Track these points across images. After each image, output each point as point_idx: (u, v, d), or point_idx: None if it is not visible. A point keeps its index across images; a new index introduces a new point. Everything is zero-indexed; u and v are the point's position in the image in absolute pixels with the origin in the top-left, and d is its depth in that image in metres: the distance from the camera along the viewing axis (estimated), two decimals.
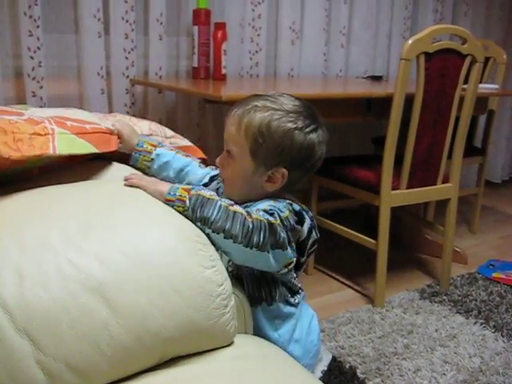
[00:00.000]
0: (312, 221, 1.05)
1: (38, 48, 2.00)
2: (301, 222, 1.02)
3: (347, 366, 1.67)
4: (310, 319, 1.13)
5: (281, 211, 0.97)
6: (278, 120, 1.00)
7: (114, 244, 0.77)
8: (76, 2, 2.09)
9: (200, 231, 0.83)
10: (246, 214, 0.91)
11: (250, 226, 0.89)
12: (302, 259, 1.07)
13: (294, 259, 1.02)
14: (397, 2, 3.12)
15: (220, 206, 0.90)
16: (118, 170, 1.11)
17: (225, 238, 0.89)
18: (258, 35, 2.60)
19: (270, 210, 0.96)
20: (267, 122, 1.00)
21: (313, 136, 1.02)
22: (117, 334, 0.72)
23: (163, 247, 0.78)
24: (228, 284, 0.81)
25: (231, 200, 0.95)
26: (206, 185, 1.18)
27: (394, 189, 2.03)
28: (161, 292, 0.75)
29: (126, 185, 0.98)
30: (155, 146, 1.20)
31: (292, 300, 1.07)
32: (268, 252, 0.92)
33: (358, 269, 2.42)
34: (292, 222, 0.98)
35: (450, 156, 2.16)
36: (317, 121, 1.05)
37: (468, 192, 3.11)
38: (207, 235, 0.89)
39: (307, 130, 1.01)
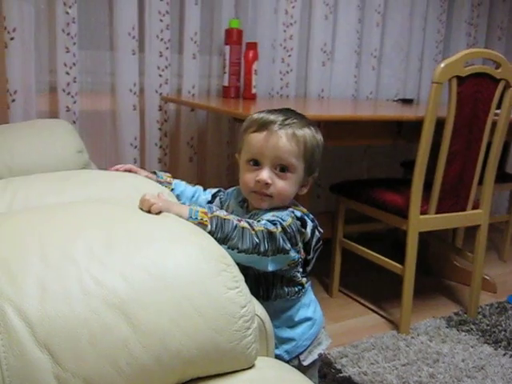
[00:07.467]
0: (313, 222, 1.15)
1: (74, 64, 2.05)
2: (304, 225, 1.11)
3: None
4: (309, 305, 1.22)
5: (283, 220, 1.07)
6: (315, 133, 1.14)
7: (138, 261, 0.76)
8: (112, 20, 2.14)
9: (224, 251, 0.83)
10: (250, 227, 1.01)
11: (256, 240, 1.00)
12: (309, 256, 1.17)
13: (299, 259, 1.13)
14: (429, 25, 3.10)
15: (234, 224, 0.99)
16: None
17: (238, 252, 0.98)
18: (290, 56, 2.61)
19: (273, 220, 1.06)
20: (312, 135, 1.13)
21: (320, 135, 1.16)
22: (136, 353, 0.71)
23: (187, 266, 0.77)
24: (251, 306, 0.80)
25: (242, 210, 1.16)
26: (210, 202, 1.28)
27: (422, 213, 2.00)
28: (183, 312, 0.74)
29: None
30: (171, 177, 1.28)
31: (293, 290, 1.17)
32: (268, 257, 1.02)
33: (384, 293, 2.38)
34: (295, 228, 1.08)
35: (480, 182, 2.12)
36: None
37: (499, 219, 3.05)
38: None
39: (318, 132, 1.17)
